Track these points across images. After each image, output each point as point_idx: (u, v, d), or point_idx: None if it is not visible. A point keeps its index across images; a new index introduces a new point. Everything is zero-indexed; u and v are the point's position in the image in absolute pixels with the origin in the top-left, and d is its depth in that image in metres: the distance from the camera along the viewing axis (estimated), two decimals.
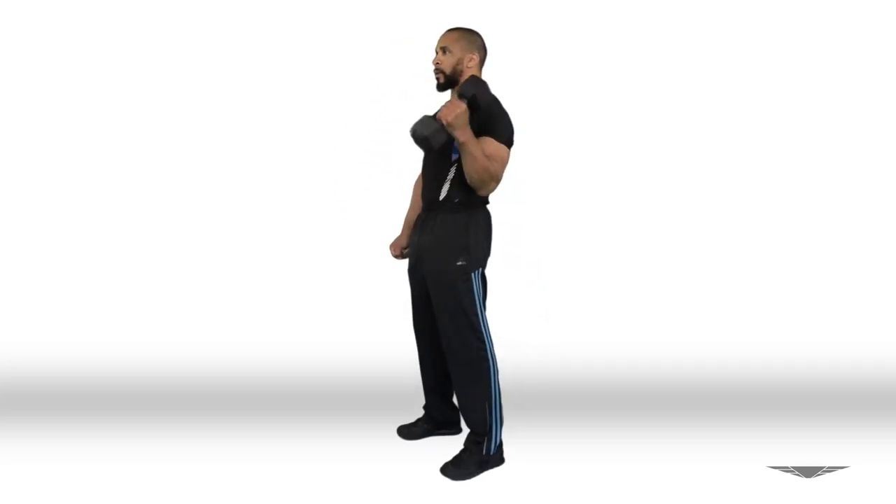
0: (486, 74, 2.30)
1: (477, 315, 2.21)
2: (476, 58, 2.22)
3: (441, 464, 2.27)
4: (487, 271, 2.30)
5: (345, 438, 2.51)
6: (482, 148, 2.09)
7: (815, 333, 3.41)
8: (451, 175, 2.20)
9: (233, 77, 3.74)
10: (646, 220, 3.73)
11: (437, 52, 2.24)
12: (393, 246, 2.55)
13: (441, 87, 2.24)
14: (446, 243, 2.20)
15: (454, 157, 2.18)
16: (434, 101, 2.34)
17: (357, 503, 2.10)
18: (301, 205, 3.76)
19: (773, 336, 3.43)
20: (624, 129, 3.72)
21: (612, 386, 3.01)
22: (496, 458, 2.29)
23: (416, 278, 2.37)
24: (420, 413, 2.59)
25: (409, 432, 2.54)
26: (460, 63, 2.20)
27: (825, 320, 3.48)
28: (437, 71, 2.23)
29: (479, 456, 2.26)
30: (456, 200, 2.20)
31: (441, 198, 2.22)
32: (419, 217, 2.37)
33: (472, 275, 2.20)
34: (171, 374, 3.13)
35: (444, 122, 2.04)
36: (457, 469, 2.23)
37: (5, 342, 3.38)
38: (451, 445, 2.39)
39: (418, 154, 2.39)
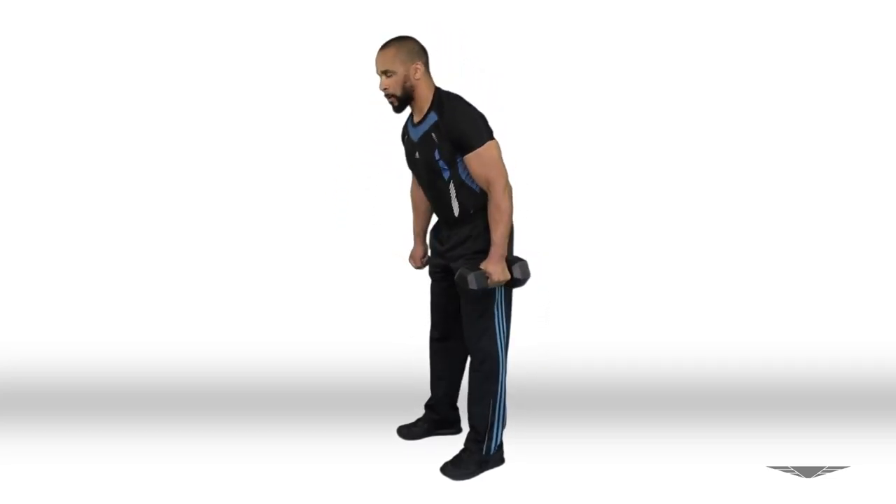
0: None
1: (493, 316, 2.22)
2: (420, 65, 2.13)
3: (441, 464, 2.27)
4: None
5: (345, 438, 2.51)
6: (478, 164, 2.09)
7: (815, 333, 3.40)
8: (454, 193, 2.18)
9: (232, 77, 3.73)
10: (646, 219, 3.73)
11: (379, 77, 2.15)
12: (412, 258, 2.55)
13: (397, 110, 2.19)
14: (471, 249, 2.20)
15: (445, 175, 2.16)
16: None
17: (357, 503, 2.10)
18: (301, 205, 3.75)
19: (773, 336, 3.42)
20: (623, 129, 3.72)
21: (612, 386, 3.01)
22: (496, 458, 2.29)
23: (442, 287, 2.37)
24: (420, 413, 2.59)
25: (409, 432, 2.54)
26: (407, 79, 2.12)
27: (825, 320, 3.48)
28: (388, 96, 2.15)
29: (479, 456, 2.26)
30: (471, 212, 2.19)
31: (456, 215, 2.21)
32: (437, 229, 2.37)
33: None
34: (171, 374, 3.13)
35: (491, 281, 2.12)
36: (457, 469, 2.24)
37: (5, 342, 3.37)
38: (451, 445, 2.39)
39: None
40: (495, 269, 2.13)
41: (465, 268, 2.15)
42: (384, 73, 2.13)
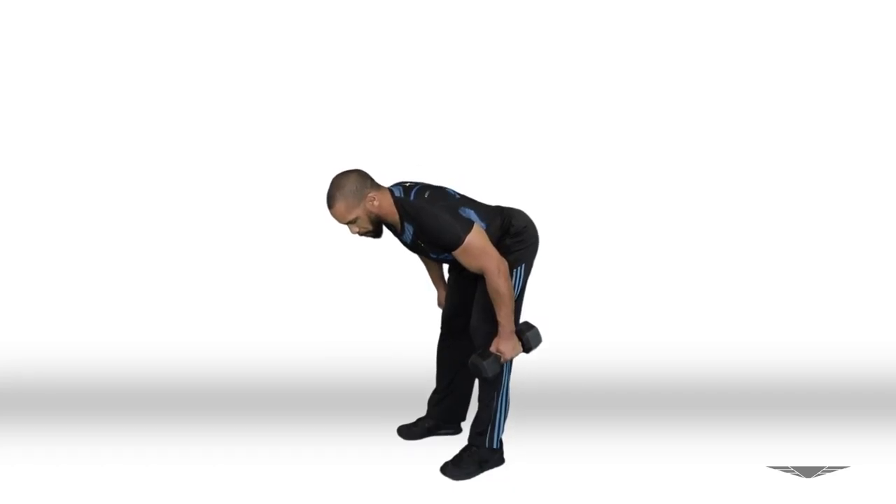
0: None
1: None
2: (371, 193, 2.09)
3: (441, 464, 2.27)
4: None
5: (345, 439, 2.51)
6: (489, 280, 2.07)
7: (815, 334, 3.40)
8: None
9: (233, 78, 3.73)
10: (646, 220, 3.73)
11: (348, 227, 2.14)
12: (440, 304, 2.57)
13: (379, 236, 2.20)
14: None
15: (450, 257, 2.14)
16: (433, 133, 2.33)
17: (357, 503, 2.10)
18: (301, 205, 3.75)
19: (774, 336, 3.42)
20: (623, 130, 3.72)
21: (612, 386, 3.01)
22: (496, 458, 2.30)
23: (462, 286, 2.34)
24: (420, 413, 2.59)
25: (409, 432, 2.55)
26: (370, 213, 2.10)
27: (825, 321, 3.48)
28: (365, 235, 2.16)
29: (481, 453, 2.27)
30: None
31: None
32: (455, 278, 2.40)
33: (516, 270, 2.18)
34: (171, 374, 3.12)
35: (504, 360, 2.16)
36: (457, 469, 2.24)
37: (5, 342, 3.37)
38: (451, 445, 2.39)
39: (417, 153, 2.39)
40: (506, 346, 2.15)
41: (476, 356, 2.17)
42: (349, 223, 2.11)
